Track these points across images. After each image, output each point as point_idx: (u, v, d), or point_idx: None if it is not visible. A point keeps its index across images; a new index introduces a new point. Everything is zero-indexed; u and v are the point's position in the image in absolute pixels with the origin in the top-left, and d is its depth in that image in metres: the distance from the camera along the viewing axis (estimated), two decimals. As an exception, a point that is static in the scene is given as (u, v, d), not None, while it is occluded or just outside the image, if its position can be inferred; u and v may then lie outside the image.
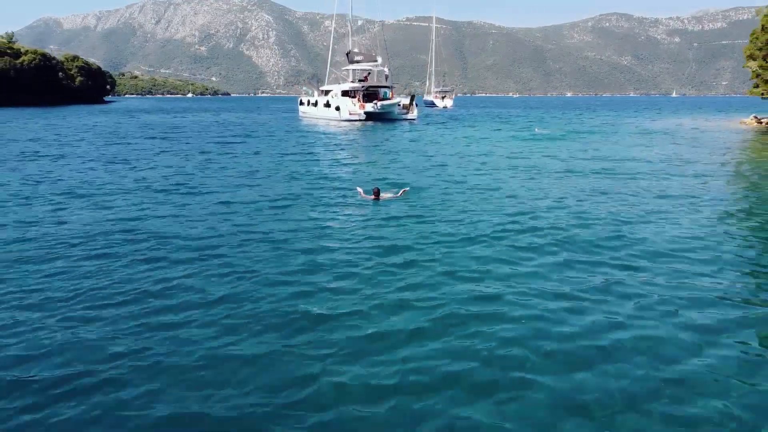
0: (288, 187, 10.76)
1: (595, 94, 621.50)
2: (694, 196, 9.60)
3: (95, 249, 6.50)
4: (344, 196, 9.64)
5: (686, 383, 3.53)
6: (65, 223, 7.85)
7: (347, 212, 8.45)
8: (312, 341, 4.13)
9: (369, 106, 28.03)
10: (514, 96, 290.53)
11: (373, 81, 30.37)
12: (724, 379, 3.58)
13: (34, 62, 72.94)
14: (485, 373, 3.65)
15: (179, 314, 4.64)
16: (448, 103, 59.41)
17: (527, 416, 3.18)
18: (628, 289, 5.17)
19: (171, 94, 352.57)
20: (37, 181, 11.39)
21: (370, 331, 4.25)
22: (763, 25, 21.02)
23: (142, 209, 8.74)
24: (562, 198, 9.41)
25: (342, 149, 16.28)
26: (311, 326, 4.39)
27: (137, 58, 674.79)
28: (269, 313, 4.65)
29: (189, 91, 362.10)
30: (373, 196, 9.07)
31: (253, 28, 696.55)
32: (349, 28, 36.14)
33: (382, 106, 28.39)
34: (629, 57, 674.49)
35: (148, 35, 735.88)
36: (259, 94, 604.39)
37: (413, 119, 29.09)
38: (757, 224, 7.69)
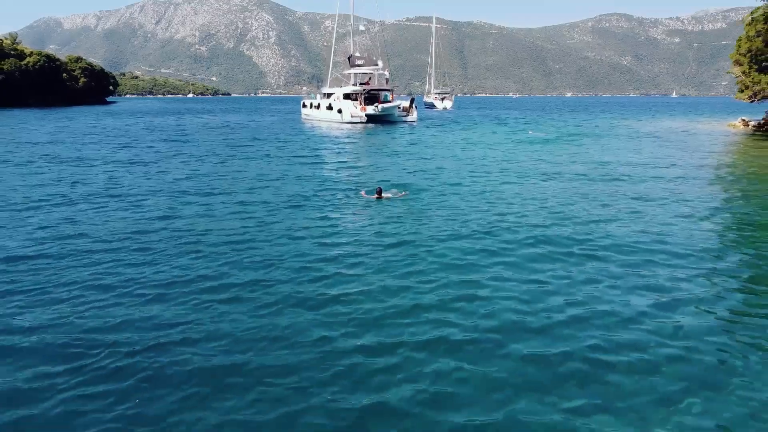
0: (299, 188, 11.86)
1: (595, 95, 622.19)
2: (665, 198, 10.69)
3: (139, 243, 7.61)
4: (348, 197, 10.73)
5: (629, 346, 4.66)
6: (109, 221, 8.96)
7: (353, 211, 9.55)
8: (332, 313, 5.26)
9: (370, 109, 29.15)
10: (514, 96, 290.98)
11: (374, 84, 31.51)
12: (658, 342, 4.71)
13: (38, 64, 73.96)
14: (466, 335, 4.78)
15: (223, 294, 5.78)
16: (448, 104, 60.55)
17: (494, 364, 4.30)
18: (589, 276, 6.29)
19: (171, 94, 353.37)
20: (73, 182, 12.48)
21: (377, 305, 5.38)
22: (747, 32, 21.98)
23: (172, 208, 9.84)
24: (544, 199, 10.52)
25: (346, 152, 17.36)
26: (330, 303, 5.53)
27: (137, 58, 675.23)
28: (296, 292, 5.78)
29: (189, 91, 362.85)
30: (376, 195, 10.14)
31: (254, 28, 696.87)
32: (351, 28, 37.11)
33: (383, 109, 29.52)
34: (629, 57, 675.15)
35: (149, 35, 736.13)
36: (260, 94, 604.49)
37: (413, 121, 30.20)
38: (718, 223, 8.79)
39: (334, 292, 5.76)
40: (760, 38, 17.57)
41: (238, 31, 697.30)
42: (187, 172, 14.17)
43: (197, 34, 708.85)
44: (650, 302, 5.47)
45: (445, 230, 8.14)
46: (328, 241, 7.62)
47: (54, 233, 8.14)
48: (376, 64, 31.88)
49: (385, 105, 29.73)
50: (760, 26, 18.46)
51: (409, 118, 30.21)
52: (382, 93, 30.88)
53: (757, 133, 23.94)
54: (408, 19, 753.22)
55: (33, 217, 9.26)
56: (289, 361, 4.29)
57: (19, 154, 17.74)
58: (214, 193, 11.24)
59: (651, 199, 10.53)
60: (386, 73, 32.44)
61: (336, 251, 7.16)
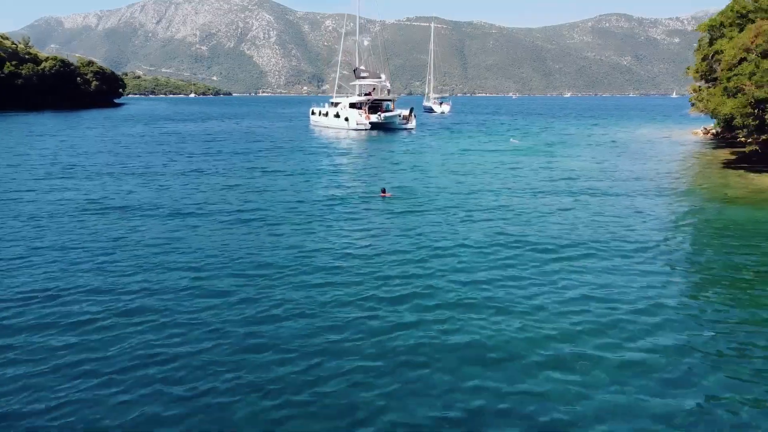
0: (324, 191, 14.19)
1: (595, 95, 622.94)
2: (607, 207, 11.71)
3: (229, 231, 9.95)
4: (363, 198, 13.27)
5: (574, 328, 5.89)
6: (201, 225, 11.28)
7: (366, 207, 12.14)
8: (350, 292, 6.59)
9: (374, 117, 32.05)
10: (514, 97, 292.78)
11: (377, 95, 34.52)
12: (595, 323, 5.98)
13: (54, 68, 76.78)
14: (445, 307, 6.20)
15: (274, 273, 7.01)
16: (446, 108, 63.30)
17: (468, 327, 5.63)
18: (535, 268, 7.51)
19: (173, 93, 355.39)
20: (159, 189, 13.86)
21: (379, 283, 6.72)
22: (700, 44, 23.52)
23: (240, 209, 12.02)
24: (509, 206, 12.38)
25: (355, 160, 19.72)
26: (345, 281, 6.99)
27: (138, 58, 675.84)
28: (320, 270, 7.20)
29: (191, 91, 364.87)
30: (381, 194, 12.79)
31: (254, 27, 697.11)
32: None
33: (385, 117, 32.42)
34: (629, 57, 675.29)
35: (149, 34, 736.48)
36: (260, 94, 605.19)
37: (412, 128, 33.11)
38: (650, 226, 10.05)
39: (346, 267, 6.84)
40: (705, 62, 19.68)
41: (239, 30, 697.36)
42: (236, 180, 15.61)
43: (198, 33, 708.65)
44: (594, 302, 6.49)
45: (434, 223, 9.76)
46: (347, 228, 8.90)
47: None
48: (379, 77, 34.85)
49: (387, 114, 32.65)
50: (705, 51, 20.62)
51: (408, 126, 33.10)
52: (384, 103, 33.81)
53: (712, 141, 26.38)
54: (408, 19, 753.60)
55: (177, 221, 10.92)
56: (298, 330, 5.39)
57: (89, 168, 18.03)
58: (263, 195, 13.59)
59: (596, 206, 11.69)
60: (388, 84, 35.40)
61: (353, 234, 8.31)
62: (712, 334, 5.77)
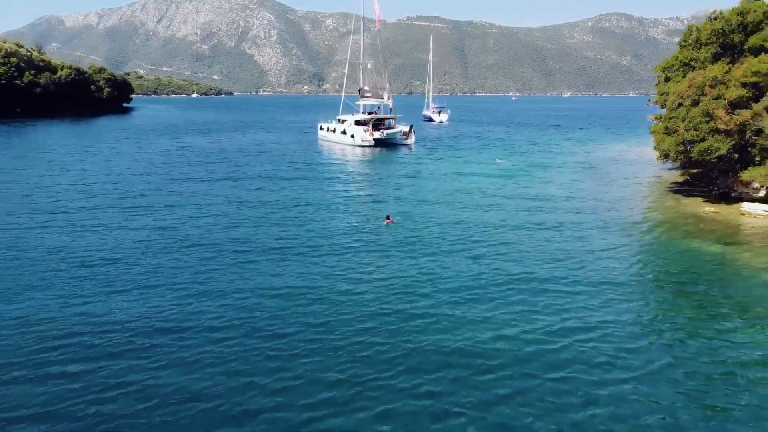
0: (341, 221, 16.83)
1: (595, 94, 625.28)
2: (565, 227, 14.60)
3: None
4: (368, 220, 15.56)
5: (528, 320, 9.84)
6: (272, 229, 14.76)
7: (371, 228, 14.88)
8: (353, 297, 9.71)
9: (377, 134, 35.68)
10: (513, 99, 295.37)
11: (380, 114, 38.14)
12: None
13: (70, 77, 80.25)
14: (427, 299, 9.70)
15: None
16: (444, 118, 66.79)
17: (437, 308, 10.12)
18: (505, 274, 10.38)
19: (175, 93, 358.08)
20: (238, 202, 17.86)
21: (376, 285, 10.65)
22: (659, 80, 24.00)
23: (278, 239, 14.25)
24: (480, 240, 14.56)
25: (363, 187, 21.68)
26: (352, 290, 9.78)
27: (139, 56, 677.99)
28: (329, 283, 9.93)
29: (193, 91, 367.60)
30: (386, 221, 16.02)
31: (255, 26, 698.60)
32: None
33: (388, 134, 36.01)
34: (629, 57, 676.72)
35: (150, 33, 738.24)
36: (261, 93, 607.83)
37: (411, 144, 36.67)
38: (601, 245, 12.79)
39: (343, 286, 9.89)
40: (662, 97, 22.57)
41: (240, 29, 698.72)
42: (269, 197, 18.56)
43: (199, 32, 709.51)
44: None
45: (430, 244, 12.45)
46: (356, 246, 11.71)
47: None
48: (382, 97, 38.53)
49: (389, 131, 36.32)
50: (660, 89, 23.60)
51: (408, 141, 36.67)
52: (387, 120, 37.46)
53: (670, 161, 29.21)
54: (408, 18, 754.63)
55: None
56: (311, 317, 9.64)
57: (145, 196, 19.43)
58: (296, 211, 16.60)
59: (556, 229, 14.60)
60: (390, 104, 39.04)
61: (362, 253, 11.16)
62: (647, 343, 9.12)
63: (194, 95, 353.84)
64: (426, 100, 73.08)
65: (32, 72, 74.43)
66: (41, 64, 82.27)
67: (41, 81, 74.50)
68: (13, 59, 73.04)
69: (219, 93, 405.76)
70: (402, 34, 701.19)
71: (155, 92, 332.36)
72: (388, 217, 15.39)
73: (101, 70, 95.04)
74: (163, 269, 11.27)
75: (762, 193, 16.73)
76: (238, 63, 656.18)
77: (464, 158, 29.26)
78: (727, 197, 17.98)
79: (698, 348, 7.99)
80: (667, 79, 22.75)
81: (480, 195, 19.36)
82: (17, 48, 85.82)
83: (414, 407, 6.48)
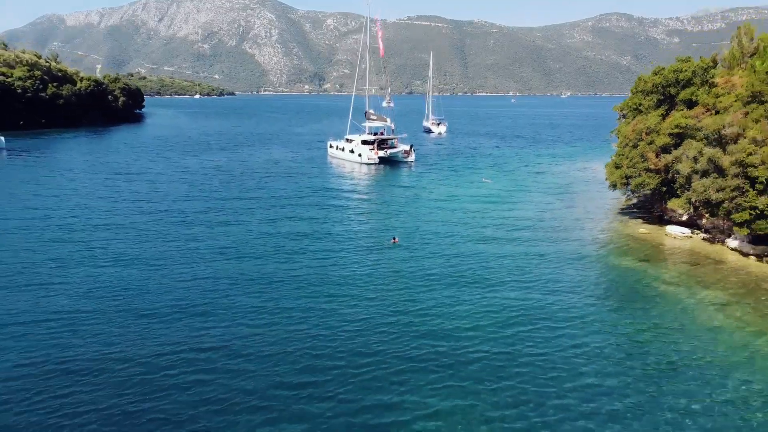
0: (354, 241, 21.92)
1: (595, 94, 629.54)
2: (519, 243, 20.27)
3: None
4: (379, 241, 20.61)
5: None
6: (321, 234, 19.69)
7: (379, 250, 19.87)
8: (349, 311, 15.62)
9: (381, 153, 40.62)
10: (513, 101, 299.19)
11: (383, 134, 43.13)
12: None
13: (89, 88, 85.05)
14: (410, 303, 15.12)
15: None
16: (442, 129, 71.53)
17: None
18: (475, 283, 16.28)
19: (178, 94, 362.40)
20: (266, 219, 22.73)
21: (375, 287, 15.63)
22: (621, 108, 26.99)
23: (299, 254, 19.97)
24: (460, 269, 19.27)
25: (371, 210, 25.95)
26: (350, 304, 15.76)
27: (140, 56, 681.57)
28: (331, 293, 15.53)
29: (196, 92, 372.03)
30: (393, 241, 20.67)
31: (256, 26, 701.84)
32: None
33: (391, 153, 41.00)
34: (629, 57, 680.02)
35: (152, 33, 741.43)
36: (262, 93, 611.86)
37: (412, 161, 41.57)
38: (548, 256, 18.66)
39: (353, 292, 16.03)
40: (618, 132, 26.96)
41: (241, 29, 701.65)
42: (289, 214, 24.22)
43: (200, 32, 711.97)
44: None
45: (432, 263, 18.40)
46: (365, 260, 17.36)
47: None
48: (385, 120, 43.55)
49: (392, 150, 41.28)
50: (619, 126, 28.09)
51: (409, 159, 41.57)
52: (390, 140, 42.42)
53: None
54: (409, 18, 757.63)
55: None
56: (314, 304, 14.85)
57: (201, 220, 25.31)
58: (314, 224, 21.60)
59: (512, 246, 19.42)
60: (392, 126, 44.03)
61: (375, 265, 17.23)
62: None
63: (197, 96, 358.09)
64: (426, 111, 77.84)
65: (55, 84, 79.16)
66: (59, 74, 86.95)
67: (63, 93, 79.24)
68: (37, 72, 77.78)
69: (221, 94, 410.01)
70: (402, 34, 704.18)
71: (158, 93, 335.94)
72: (394, 238, 20.13)
73: (116, 79, 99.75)
74: (175, 289, 15.97)
75: (685, 217, 21.46)
76: (239, 62, 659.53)
77: (457, 178, 33.94)
78: (662, 219, 22.71)
79: (603, 341, 12.68)
80: (625, 116, 27.45)
81: (467, 218, 23.86)
82: (36, 59, 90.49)
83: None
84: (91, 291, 14.66)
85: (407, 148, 41.81)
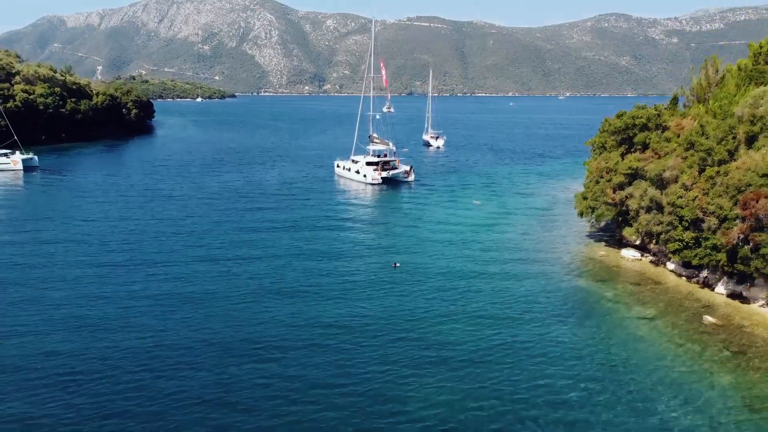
0: (363, 265, 26.42)
1: (593, 95, 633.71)
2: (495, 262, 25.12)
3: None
4: (382, 265, 25.17)
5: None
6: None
7: (385, 272, 23.97)
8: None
9: (384, 174, 45.24)
10: (511, 104, 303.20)
11: (386, 156, 47.79)
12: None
13: (105, 103, 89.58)
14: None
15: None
16: (441, 143, 75.97)
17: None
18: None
19: (180, 98, 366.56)
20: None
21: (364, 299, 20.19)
22: (592, 143, 33.31)
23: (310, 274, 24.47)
24: (460, 272, 24.69)
25: (375, 236, 29.90)
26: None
27: (141, 57, 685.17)
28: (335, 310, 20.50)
29: (198, 95, 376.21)
30: (394, 265, 24.90)
31: (256, 27, 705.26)
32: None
33: (393, 174, 45.65)
34: (627, 57, 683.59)
35: (152, 34, 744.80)
36: (262, 93, 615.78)
37: (411, 181, 46.12)
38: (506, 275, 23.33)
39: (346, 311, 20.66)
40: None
41: (241, 30, 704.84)
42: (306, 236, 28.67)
43: (200, 33, 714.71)
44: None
45: (426, 278, 22.52)
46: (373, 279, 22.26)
47: None
48: (388, 144, 48.26)
49: (394, 171, 45.97)
50: (588, 161, 32.58)
51: (409, 179, 46.16)
52: (392, 162, 47.10)
53: None
54: (409, 19, 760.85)
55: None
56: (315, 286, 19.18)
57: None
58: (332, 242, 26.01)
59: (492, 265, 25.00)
60: (394, 148, 48.73)
61: (378, 273, 21.72)
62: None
63: (199, 99, 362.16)
64: (425, 125, 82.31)
65: (73, 100, 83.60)
66: (74, 87, 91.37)
67: (81, 108, 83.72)
68: (56, 89, 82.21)
69: (223, 96, 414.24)
70: (402, 35, 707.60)
71: (161, 96, 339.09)
72: (395, 263, 24.57)
73: (128, 92, 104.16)
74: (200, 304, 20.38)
75: (638, 242, 25.93)
76: (239, 64, 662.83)
77: (451, 200, 38.35)
78: (620, 243, 27.18)
79: (559, 349, 17.06)
80: (597, 149, 31.89)
81: (458, 242, 28.19)
82: (52, 73, 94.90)
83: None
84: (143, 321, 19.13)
85: (408, 168, 46.36)
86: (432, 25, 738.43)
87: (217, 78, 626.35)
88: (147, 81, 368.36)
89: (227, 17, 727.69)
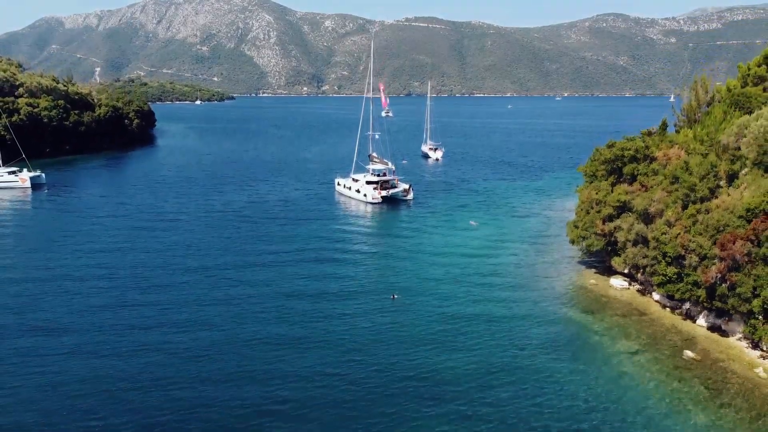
0: (363, 299, 27.48)
1: (591, 95, 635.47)
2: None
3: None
4: (380, 298, 26.19)
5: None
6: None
7: (383, 304, 25.01)
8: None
9: (384, 192, 46.48)
10: (509, 106, 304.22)
11: (386, 176, 49.02)
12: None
13: (108, 114, 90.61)
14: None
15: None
16: (439, 155, 77.16)
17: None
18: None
19: (179, 100, 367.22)
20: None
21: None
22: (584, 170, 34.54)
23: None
24: (456, 301, 26.00)
25: (374, 267, 30.64)
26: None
27: (139, 58, 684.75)
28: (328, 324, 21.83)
29: (197, 98, 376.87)
30: (392, 297, 25.97)
31: (254, 28, 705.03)
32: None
33: (392, 193, 46.91)
34: (625, 57, 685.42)
35: (150, 35, 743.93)
36: (261, 95, 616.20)
37: (410, 199, 47.37)
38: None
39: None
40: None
41: (239, 31, 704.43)
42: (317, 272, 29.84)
43: (198, 34, 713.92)
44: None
45: (427, 309, 23.89)
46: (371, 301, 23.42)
47: None
48: (386, 163, 49.52)
49: (393, 190, 47.21)
50: (579, 189, 33.98)
51: (408, 198, 47.41)
52: (391, 181, 48.38)
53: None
54: (407, 20, 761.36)
55: None
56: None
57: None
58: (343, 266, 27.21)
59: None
60: (393, 167, 49.99)
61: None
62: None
63: (198, 102, 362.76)
64: (424, 136, 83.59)
65: (76, 112, 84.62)
66: (76, 97, 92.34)
67: (84, 120, 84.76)
68: (60, 102, 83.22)
69: (221, 99, 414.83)
70: (400, 35, 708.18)
71: (160, 99, 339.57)
72: (393, 295, 25.81)
73: (129, 102, 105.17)
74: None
75: (626, 270, 27.24)
76: (238, 65, 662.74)
77: (448, 222, 39.48)
78: (610, 270, 28.48)
79: (540, 383, 18.33)
80: (588, 176, 33.17)
81: (454, 269, 29.18)
82: (55, 84, 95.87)
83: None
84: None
85: (406, 187, 47.64)
86: (430, 25, 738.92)
87: (215, 79, 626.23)
88: (146, 84, 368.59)
89: (225, 18, 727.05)
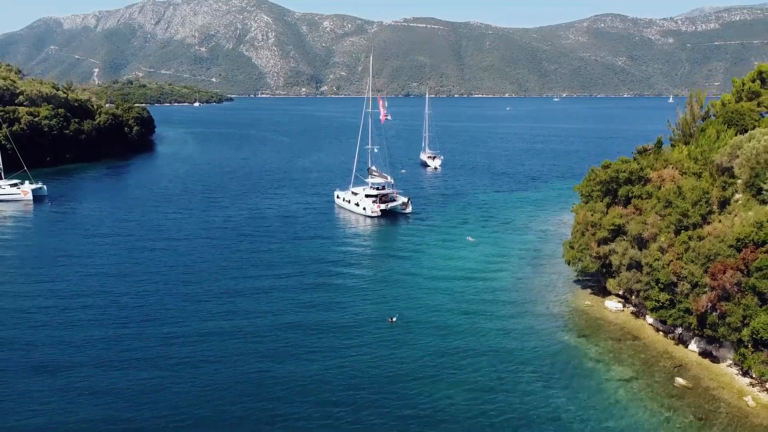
0: (358, 317, 28.10)
1: (590, 95, 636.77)
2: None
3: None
4: (378, 320, 26.43)
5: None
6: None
7: (381, 326, 25.41)
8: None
9: (383, 206, 46.91)
10: (508, 108, 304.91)
11: (385, 189, 49.46)
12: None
13: (108, 122, 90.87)
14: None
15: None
16: (437, 163, 77.62)
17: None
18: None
19: (178, 102, 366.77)
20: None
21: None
22: (579, 190, 33.50)
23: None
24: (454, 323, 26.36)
25: (373, 288, 31.33)
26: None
27: (137, 59, 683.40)
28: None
29: (196, 100, 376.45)
30: (390, 320, 26.39)
31: (253, 28, 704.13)
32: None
33: (391, 207, 47.35)
34: (623, 58, 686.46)
35: (148, 36, 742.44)
36: (260, 95, 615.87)
37: (409, 212, 47.80)
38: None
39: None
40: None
41: (238, 32, 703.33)
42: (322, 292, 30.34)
43: (197, 35, 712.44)
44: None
45: (423, 326, 24.45)
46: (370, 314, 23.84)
47: None
48: (386, 177, 49.96)
49: (392, 203, 47.64)
50: (576, 208, 34.47)
51: (407, 211, 47.83)
52: (390, 194, 48.82)
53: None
54: (405, 20, 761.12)
55: None
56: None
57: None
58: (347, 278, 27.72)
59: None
60: (392, 181, 50.44)
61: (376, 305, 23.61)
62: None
63: (197, 104, 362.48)
64: (423, 144, 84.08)
65: (76, 120, 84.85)
66: (76, 104, 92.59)
67: (85, 128, 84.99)
68: (60, 110, 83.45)
69: (220, 100, 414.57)
70: (399, 36, 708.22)
71: (158, 101, 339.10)
72: (391, 318, 26.27)
73: (129, 109, 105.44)
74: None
75: (621, 292, 27.77)
76: (237, 65, 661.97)
77: (446, 239, 39.96)
78: (605, 291, 29.02)
79: (534, 411, 18.82)
80: (584, 196, 33.68)
81: (452, 291, 29.58)
82: (55, 91, 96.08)
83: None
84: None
85: (405, 200, 48.08)
86: (429, 26, 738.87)
87: (214, 80, 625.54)
88: (144, 85, 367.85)
89: (224, 19, 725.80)
